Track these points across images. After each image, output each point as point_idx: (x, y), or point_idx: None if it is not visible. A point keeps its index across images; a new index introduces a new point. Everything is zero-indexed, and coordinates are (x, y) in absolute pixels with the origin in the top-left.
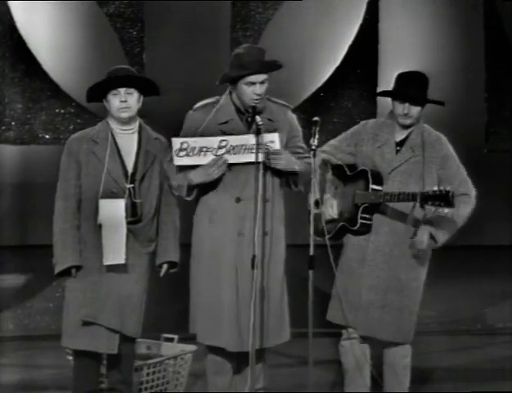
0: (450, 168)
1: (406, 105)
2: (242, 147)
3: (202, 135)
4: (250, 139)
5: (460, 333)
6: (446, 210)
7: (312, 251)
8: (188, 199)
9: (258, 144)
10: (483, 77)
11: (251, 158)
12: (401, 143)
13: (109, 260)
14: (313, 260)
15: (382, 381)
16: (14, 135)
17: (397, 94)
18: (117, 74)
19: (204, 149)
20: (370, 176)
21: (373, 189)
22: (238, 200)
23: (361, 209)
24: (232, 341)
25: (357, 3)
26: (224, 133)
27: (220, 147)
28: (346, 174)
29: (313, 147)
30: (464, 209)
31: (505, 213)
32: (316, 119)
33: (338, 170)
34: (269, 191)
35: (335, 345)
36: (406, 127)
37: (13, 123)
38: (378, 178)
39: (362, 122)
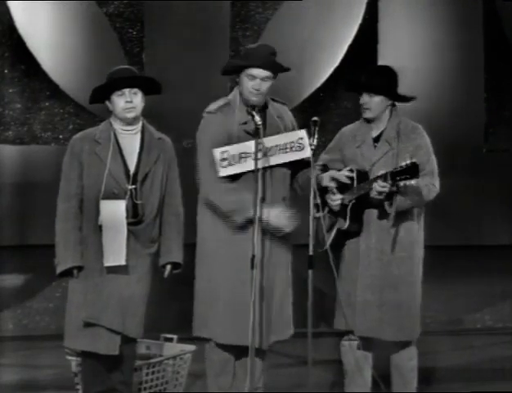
0: (421, 157)
1: (364, 96)
2: (276, 148)
3: (229, 135)
4: (281, 139)
5: (460, 333)
6: (412, 182)
7: (311, 251)
8: (239, 224)
9: (257, 143)
10: (483, 77)
11: (286, 158)
12: (377, 139)
13: (109, 262)
14: (313, 260)
15: (382, 383)
16: (13, 135)
17: (349, 85)
18: (121, 75)
19: (243, 155)
20: (355, 174)
21: (358, 185)
22: (262, 200)
23: (348, 207)
24: (246, 337)
25: (356, 3)
26: (248, 133)
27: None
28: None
29: (312, 147)
30: (429, 192)
31: (505, 213)
32: (315, 119)
33: None
34: (284, 190)
35: (335, 345)
36: (369, 121)
37: (12, 123)
38: (363, 175)
39: (342, 129)
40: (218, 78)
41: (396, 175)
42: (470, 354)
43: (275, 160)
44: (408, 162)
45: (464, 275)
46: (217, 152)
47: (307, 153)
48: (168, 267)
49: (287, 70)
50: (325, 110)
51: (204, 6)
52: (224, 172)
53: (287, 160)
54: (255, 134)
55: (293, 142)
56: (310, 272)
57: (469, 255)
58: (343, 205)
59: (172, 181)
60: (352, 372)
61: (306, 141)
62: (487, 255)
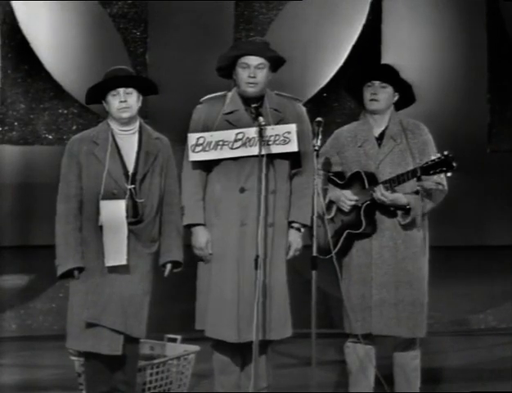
0: (428, 155)
1: (374, 87)
2: (285, 137)
3: (207, 126)
4: (266, 131)
5: (464, 334)
6: (448, 174)
7: (314, 252)
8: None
9: (260, 144)
10: (486, 77)
11: (268, 150)
12: (381, 137)
13: (110, 262)
14: (316, 261)
15: (386, 383)
16: (17, 135)
17: (364, 74)
18: (115, 75)
19: (221, 143)
20: (364, 176)
21: (370, 186)
22: (242, 190)
23: (362, 208)
24: (232, 333)
25: (360, 4)
26: (230, 123)
27: (236, 140)
28: (337, 184)
29: (316, 148)
30: (438, 196)
31: (507, 213)
32: (319, 119)
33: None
34: (274, 183)
35: (338, 345)
36: (374, 113)
37: (16, 123)
38: (372, 176)
39: (337, 130)
40: (222, 78)
41: (429, 169)
42: (474, 355)
43: (254, 150)
44: (439, 155)
45: (467, 275)
46: (193, 137)
47: (292, 147)
48: (169, 266)
49: (281, 59)
50: (329, 110)
51: (207, 7)
52: (194, 157)
53: (268, 153)
54: (259, 134)
55: (278, 135)
56: (313, 273)
57: (472, 256)
58: (355, 207)
59: (170, 180)
60: (356, 373)
61: (293, 135)
62: (491, 255)
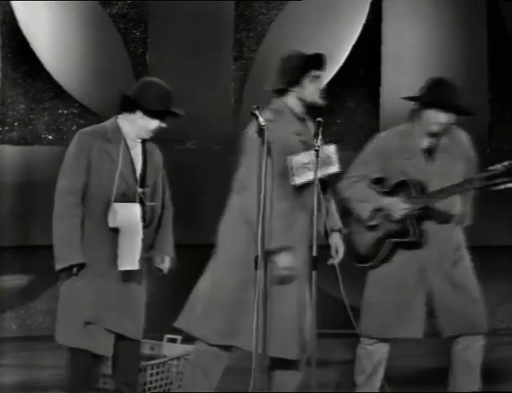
0: (472, 166)
1: (451, 115)
2: (328, 158)
3: (282, 145)
4: (333, 149)
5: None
6: (510, 185)
7: (315, 252)
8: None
9: (262, 144)
10: (486, 77)
11: (335, 169)
12: (430, 149)
13: (124, 266)
14: (316, 261)
15: (386, 383)
16: (17, 136)
17: (445, 105)
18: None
19: (306, 165)
20: (411, 184)
21: (418, 195)
22: (305, 209)
23: (410, 217)
24: (294, 349)
25: (360, 4)
26: (303, 143)
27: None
28: (379, 192)
29: (316, 148)
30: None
31: (507, 213)
32: (319, 119)
33: None
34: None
35: (339, 345)
36: (434, 134)
37: (16, 123)
38: (420, 186)
39: (381, 135)
40: (222, 79)
41: (491, 179)
42: None
43: (325, 170)
44: (506, 164)
45: None
46: (294, 160)
47: (336, 168)
48: (167, 259)
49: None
50: (329, 110)
51: (207, 7)
52: (299, 180)
53: (334, 172)
54: (259, 134)
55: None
56: (314, 273)
57: (473, 256)
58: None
59: (165, 184)
60: (369, 376)
61: (335, 156)
62: (491, 255)
